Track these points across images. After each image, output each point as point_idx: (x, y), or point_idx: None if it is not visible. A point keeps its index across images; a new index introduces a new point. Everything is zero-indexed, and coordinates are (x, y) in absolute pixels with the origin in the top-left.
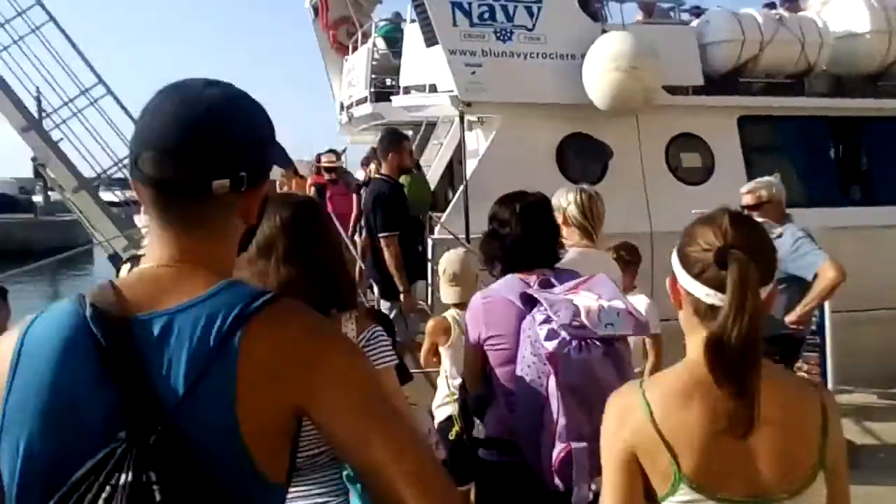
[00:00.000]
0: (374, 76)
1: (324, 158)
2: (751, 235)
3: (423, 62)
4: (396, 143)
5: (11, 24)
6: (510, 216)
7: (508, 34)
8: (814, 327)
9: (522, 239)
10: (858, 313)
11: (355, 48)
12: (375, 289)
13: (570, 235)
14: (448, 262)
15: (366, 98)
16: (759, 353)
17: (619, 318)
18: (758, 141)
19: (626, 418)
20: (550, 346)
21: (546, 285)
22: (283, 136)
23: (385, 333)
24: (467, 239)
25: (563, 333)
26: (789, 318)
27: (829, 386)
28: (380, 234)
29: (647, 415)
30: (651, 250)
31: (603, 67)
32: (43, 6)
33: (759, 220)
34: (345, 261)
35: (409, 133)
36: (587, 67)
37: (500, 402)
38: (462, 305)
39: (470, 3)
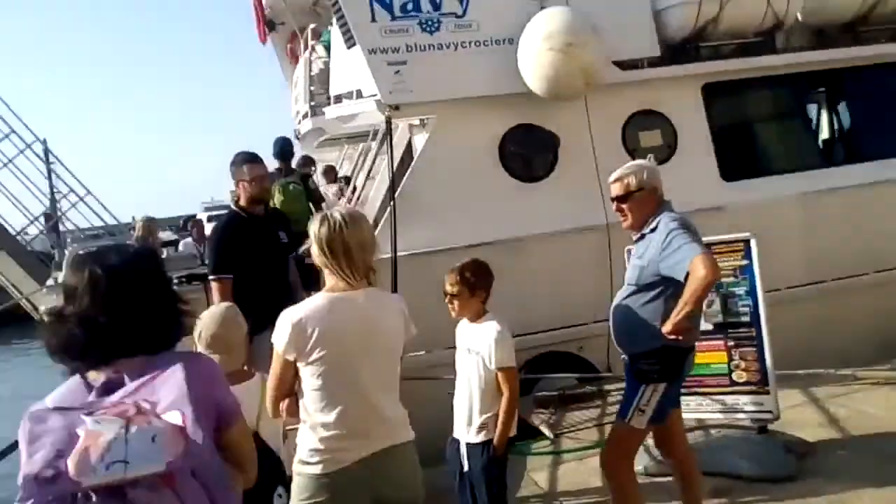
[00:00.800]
0: (312, 88)
1: None
2: None
3: (347, 66)
4: (237, 170)
5: None
6: (77, 284)
7: (435, 24)
8: (747, 318)
9: (90, 320)
10: (853, 279)
11: (297, 60)
12: None
13: (328, 277)
14: (204, 324)
15: (307, 113)
16: None
17: (149, 447)
18: (726, 109)
19: None
20: None
21: (112, 388)
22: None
23: None
24: (394, 260)
25: (29, 489)
26: (665, 329)
27: (771, 384)
28: (209, 276)
29: None
30: (609, 243)
31: (536, 49)
32: None
33: (633, 212)
34: None
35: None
36: (521, 51)
37: None
38: (233, 376)
39: None
